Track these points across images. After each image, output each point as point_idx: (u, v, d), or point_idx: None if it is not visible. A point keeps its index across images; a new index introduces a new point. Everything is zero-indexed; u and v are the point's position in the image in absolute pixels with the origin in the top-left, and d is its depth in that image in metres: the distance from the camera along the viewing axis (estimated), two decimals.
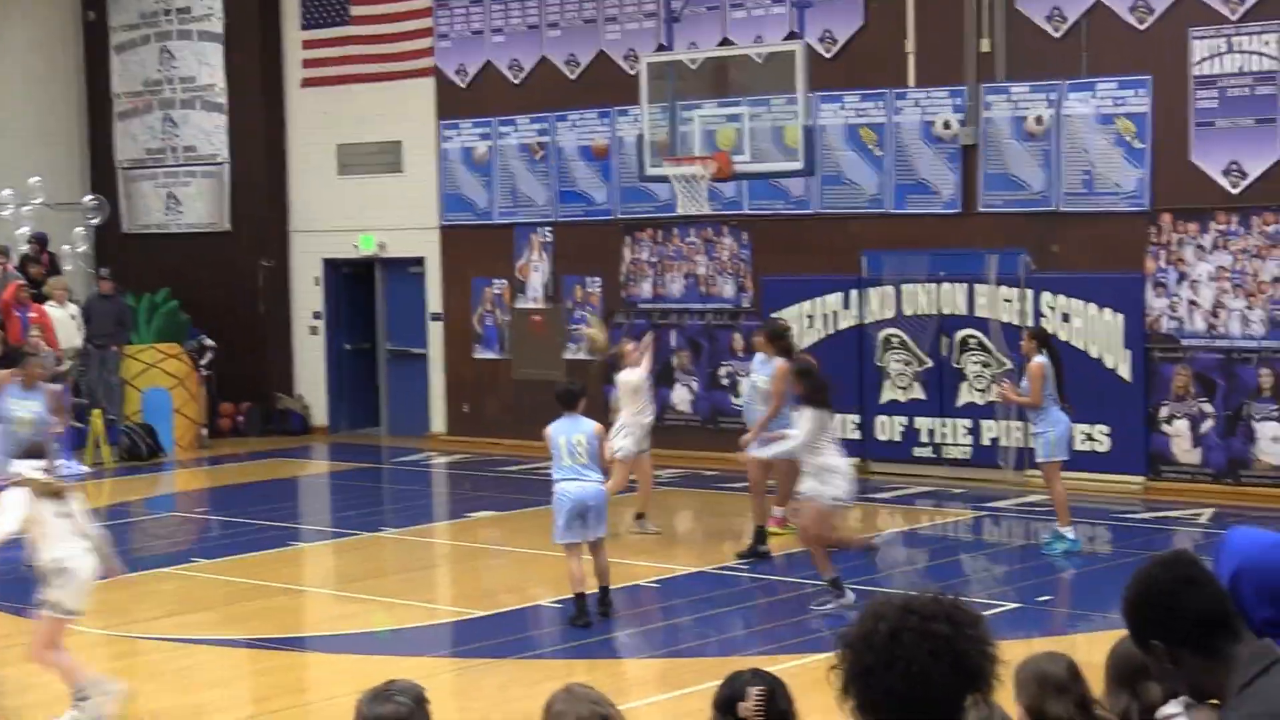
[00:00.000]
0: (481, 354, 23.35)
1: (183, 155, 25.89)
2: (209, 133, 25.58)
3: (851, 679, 3.43)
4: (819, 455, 12.96)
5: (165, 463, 22.71)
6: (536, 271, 22.82)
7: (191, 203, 25.87)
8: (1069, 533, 15.20)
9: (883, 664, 3.38)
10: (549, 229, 22.62)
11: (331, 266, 24.93)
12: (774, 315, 18.84)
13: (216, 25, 25.29)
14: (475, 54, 23.13)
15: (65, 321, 22.53)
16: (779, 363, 15.24)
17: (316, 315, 25.03)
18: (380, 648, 12.89)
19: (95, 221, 23.54)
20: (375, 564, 16.10)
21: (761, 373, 15.74)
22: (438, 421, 23.92)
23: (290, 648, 12.91)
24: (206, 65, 25.46)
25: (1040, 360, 14.99)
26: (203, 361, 23.98)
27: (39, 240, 23.99)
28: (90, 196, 24.26)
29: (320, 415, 25.06)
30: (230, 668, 12.65)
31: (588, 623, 12.73)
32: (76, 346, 22.60)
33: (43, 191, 23.51)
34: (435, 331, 23.90)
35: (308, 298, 25.12)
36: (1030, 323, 18.43)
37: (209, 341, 23.98)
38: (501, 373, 23.15)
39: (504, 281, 23.10)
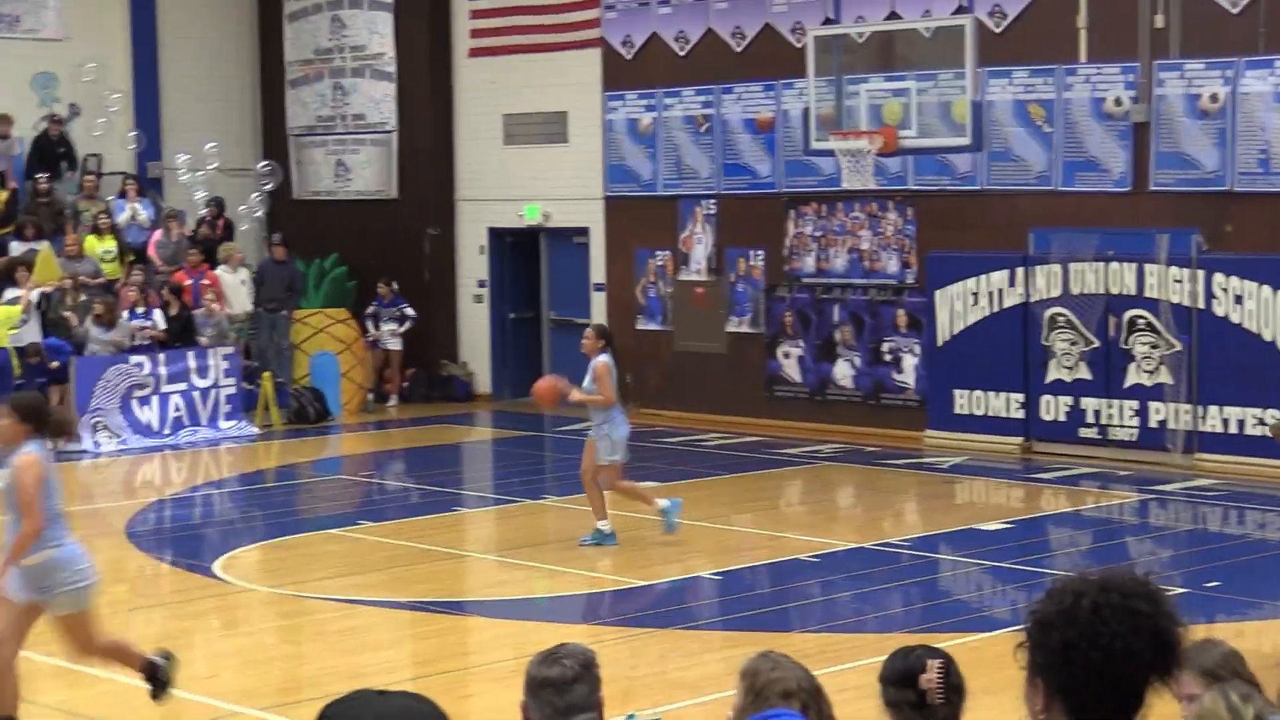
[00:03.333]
0: (644, 325, 23.45)
1: (352, 123, 26.26)
2: (378, 101, 25.91)
3: (1049, 656, 3.41)
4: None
5: (332, 426, 23.09)
6: (699, 244, 22.86)
7: (360, 170, 26.24)
8: (605, 526, 14.82)
9: (1086, 641, 3.35)
10: (713, 201, 22.65)
11: (496, 235, 25.16)
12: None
13: None
14: (641, 25, 23.19)
15: (237, 286, 22.98)
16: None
17: (481, 284, 25.29)
18: (541, 614, 13.04)
19: (268, 187, 23.95)
20: (536, 531, 16.27)
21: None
22: None
23: (452, 612, 13.10)
24: (376, 34, 25.78)
25: (605, 359, 14.60)
26: (401, 329, 24.29)
27: (214, 205, 24.47)
28: (263, 163, 24.68)
29: (484, 383, 25.33)
30: (393, 630, 12.85)
31: None
32: (248, 310, 23.04)
33: (218, 157, 23.95)
34: (598, 302, 24.05)
35: (473, 266, 25.38)
36: (1200, 305, 18.14)
37: (410, 311, 24.30)
38: (663, 344, 23.23)
39: (667, 253, 23.17)
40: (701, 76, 22.61)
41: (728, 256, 22.56)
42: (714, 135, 22.53)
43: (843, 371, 21.50)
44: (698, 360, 22.76)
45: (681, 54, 22.86)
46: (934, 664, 5.07)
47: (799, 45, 20.62)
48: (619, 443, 14.66)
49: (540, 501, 17.58)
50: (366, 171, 26.15)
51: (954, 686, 5.08)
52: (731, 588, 13.56)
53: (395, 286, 24.44)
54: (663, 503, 14.77)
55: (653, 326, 23.38)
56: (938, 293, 20.23)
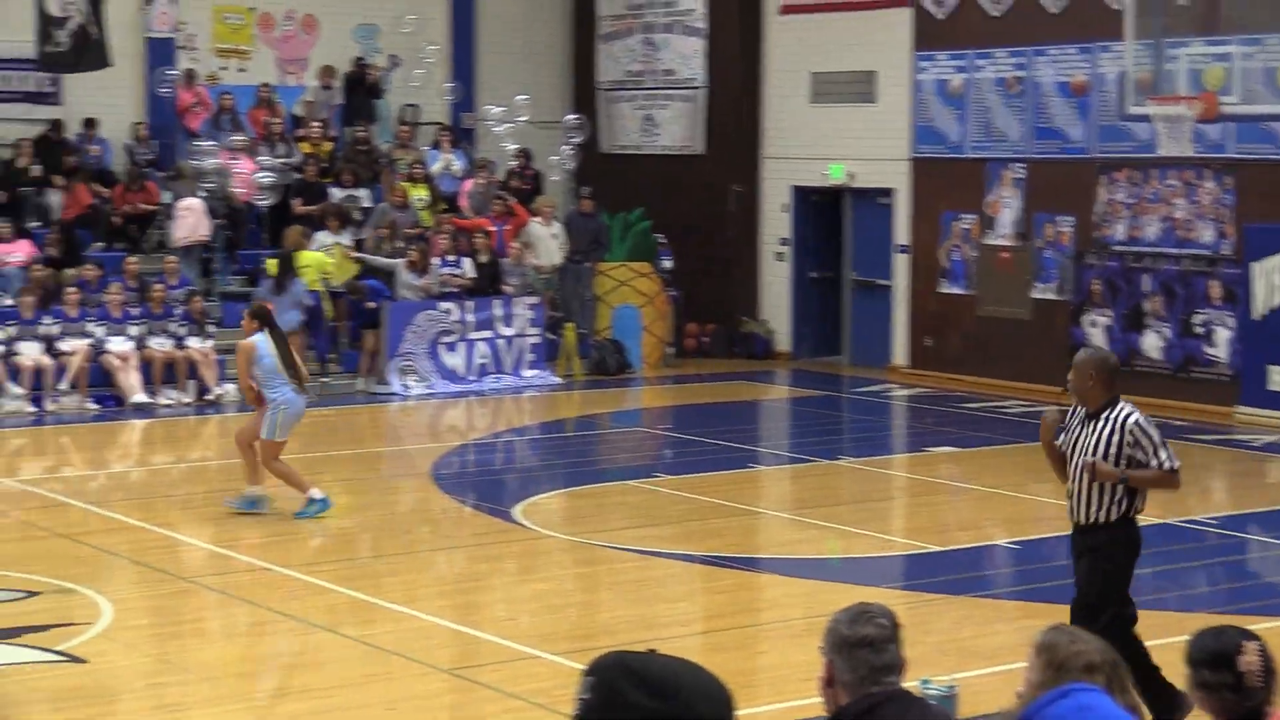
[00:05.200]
0: (947, 289, 23.18)
1: (661, 78, 26.42)
2: (687, 57, 26.02)
3: None
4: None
5: (632, 378, 23.35)
6: (1007, 208, 22.49)
7: (667, 125, 26.40)
8: (257, 491, 14.33)
9: None
10: (1022, 165, 22.25)
11: (800, 194, 25.09)
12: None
13: None
14: None
15: (547, 238, 23.34)
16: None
17: (783, 241, 25.26)
18: (833, 574, 13.01)
19: (577, 140, 24.26)
20: (831, 492, 16.23)
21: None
22: (899, 354, 23.89)
23: (744, 568, 13.15)
24: None
25: (253, 340, 14.13)
26: (668, 282, 24.52)
27: (524, 155, 24.88)
28: (573, 116, 25.00)
29: (783, 341, 25.33)
30: (686, 583, 12.95)
31: None
32: (555, 263, 23.39)
33: (529, 109, 24.32)
34: (900, 263, 23.84)
35: (775, 224, 25.37)
36: None
37: (667, 264, 24.52)
38: (966, 308, 22.94)
39: (973, 216, 22.85)
40: (1015, 38, 22.20)
41: (1035, 221, 22.15)
42: (1025, 98, 22.11)
43: (1151, 343, 20.96)
44: (1001, 326, 22.42)
45: (995, 15, 22.47)
46: (1251, 646, 4.89)
47: (1117, 7, 20.10)
48: (282, 422, 14.21)
49: (836, 462, 17.54)
50: (673, 127, 26.30)
51: (1271, 670, 4.91)
52: (1028, 557, 13.35)
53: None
54: (315, 493, 14.35)
55: (955, 290, 23.09)
56: (1255, 265, 19.57)
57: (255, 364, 14.07)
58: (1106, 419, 8.82)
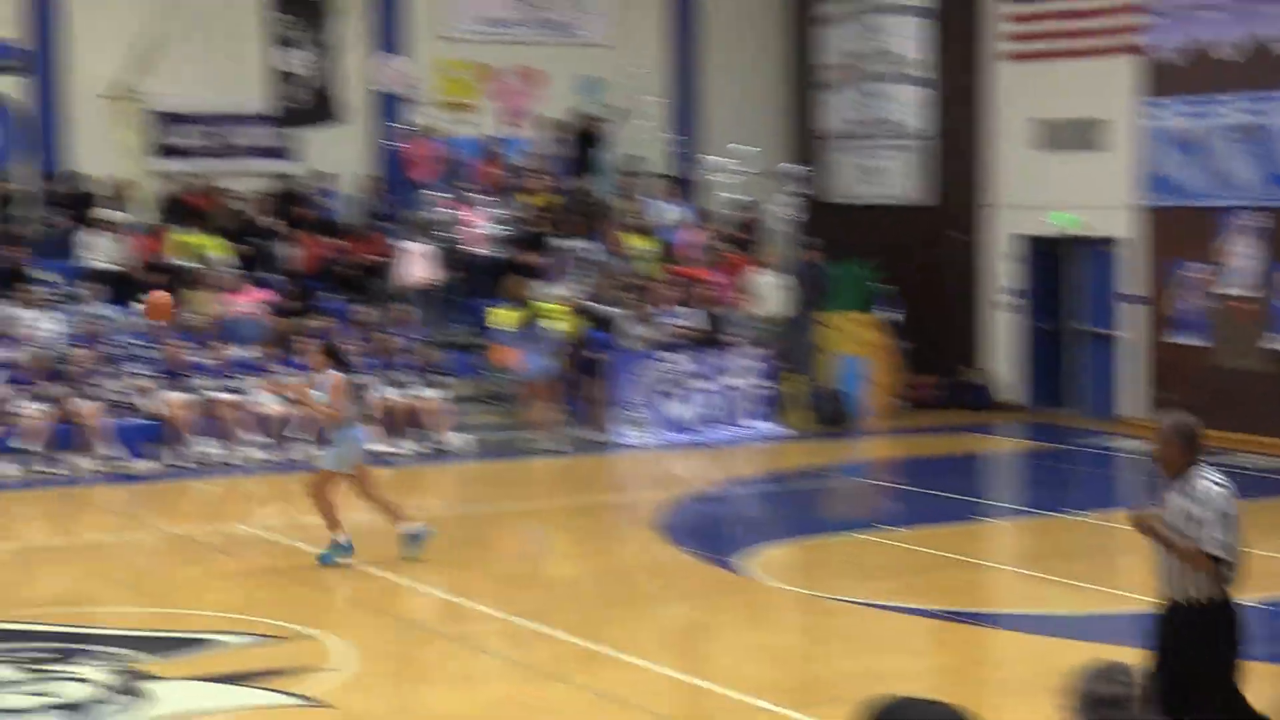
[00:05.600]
0: (1177, 339, 22.74)
1: (881, 127, 26.36)
2: (907, 106, 25.94)
3: None
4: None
5: (856, 429, 23.25)
6: (1240, 257, 21.99)
7: (888, 175, 26.32)
8: (412, 527, 14.58)
9: None
10: (1257, 213, 21.76)
11: (1024, 242, 24.81)
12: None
13: (920, 0, 25.61)
14: (1184, 31, 22.46)
15: (770, 288, 23.39)
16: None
17: (1009, 291, 25.00)
18: (1066, 631, 12.79)
19: (799, 190, 24.27)
20: (1059, 545, 15.98)
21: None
22: (1127, 405, 23.46)
23: (972, 622, 13.01)
24: (908, 39, 25.81)
25: (338, 374, 14.32)
26: (895, 332, 24.41)
27: (745, 206, 24.98)
28: (794, 165, 25.03)
29: (1007, 391, 25.04)
30: (913, 637, 12.85)
31: None
32: (779, 313, 23.41)
33: (750, 160, 24.42)
34: (1127, 313, 23.45)
35: (999, 273, 25.12)
36: None
37: (896, 315, 24.39)
38: (1198, 360, 22.45)
39: (1205, 266, 22.39)
40: (1249, 84, 21.75)
41: (1271, 271, 21.63)
42: (1262, 144, 21.64)
43: None
44: (1234, 377, 21.91)
45: (1227, 61, 22.05)
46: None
47: None
48: (349, 457, 14.37)
49: (1062, 515, 17.27)
50: (895, 176, 26.21)
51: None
52: (1277, 617, 12.99)
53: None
54: (341, 537, 14.44)
55: (1187, 341, 22.63)
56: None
57: (346, 398, 14.36)
58: (1181, 485, 8.28)
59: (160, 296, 16.15)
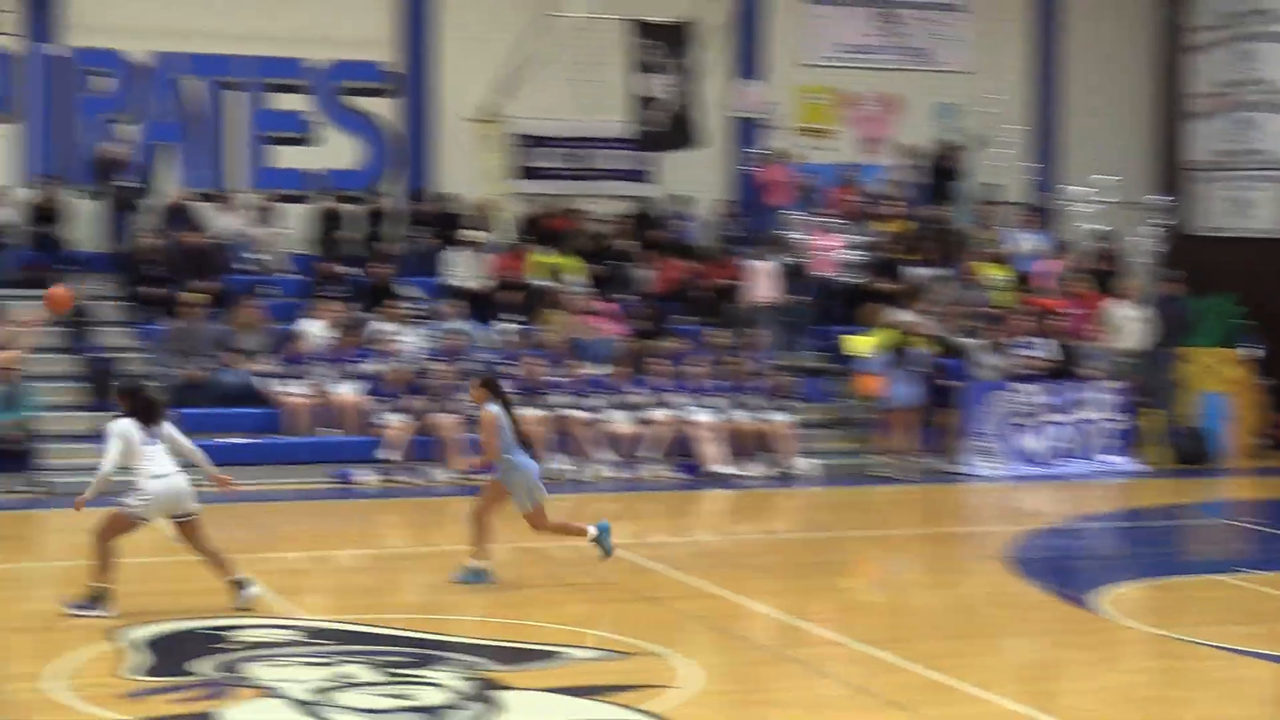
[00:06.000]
0: None
1: (1255, 158, 25.47)
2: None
3: None
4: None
5: (1217, 468, 22.49)
6: None
7: (1257, 206, 25.42)
8: (479, 564, 14.33)
9: None
10: None
11: None
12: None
13: None
14: None
15: (1129, 321, 22.81)
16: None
17: None
18: None
19: (1162, 222, 23.62)
20: None
21: None
22: None
23: None
24: None
25: (493, 409, 14.05)
26: (1258, 370, 23.55)
27: (1106, 236, 24.42)
28: (1158, 196, 24.37)
29: None
30: (1274, 685, 12.33)
31: None
32: (1138, 347, 22.82)
33: (1111, 189, 23.88)
34: None
35: None
36: None
37: (1260, 351, 23.54)
38: None
39: None
40: None
41: None
42: None
43: None
44: None
45: None
46: None
47: None
48: (528, 488, 14.13)
49: None
50: (1263, 208, 25.29)
51: None
52: None
53: None
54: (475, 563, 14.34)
55: None
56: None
57: (496, 434, 14.21)
58: None
59: (59, 290, 15.99)
